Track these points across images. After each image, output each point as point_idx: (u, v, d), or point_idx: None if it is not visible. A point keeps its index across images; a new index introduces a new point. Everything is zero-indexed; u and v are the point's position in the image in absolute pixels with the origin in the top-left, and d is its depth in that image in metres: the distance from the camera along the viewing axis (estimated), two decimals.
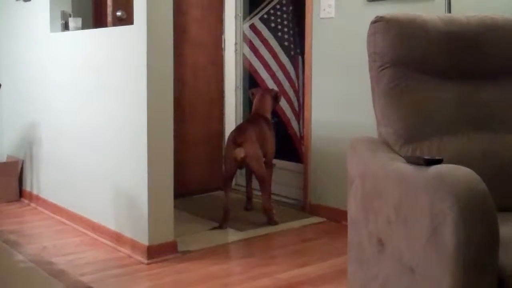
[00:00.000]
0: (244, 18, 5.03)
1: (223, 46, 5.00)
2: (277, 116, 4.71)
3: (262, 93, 4.18)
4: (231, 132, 3.91)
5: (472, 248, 1.49)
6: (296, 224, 3.97)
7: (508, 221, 1.82)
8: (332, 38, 4.00)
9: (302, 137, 4.46)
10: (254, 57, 4.97)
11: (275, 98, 4.20)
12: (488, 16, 2.29)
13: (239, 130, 3.88)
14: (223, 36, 5.00)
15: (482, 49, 2.21)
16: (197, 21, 4.78)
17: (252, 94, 4.26)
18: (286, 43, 4.72)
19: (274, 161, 4.22)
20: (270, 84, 4.79)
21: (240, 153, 3.75)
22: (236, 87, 5.07)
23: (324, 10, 4.04)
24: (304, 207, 4.27)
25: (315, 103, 4.16)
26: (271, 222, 3.90)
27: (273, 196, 4.17)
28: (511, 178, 2.07)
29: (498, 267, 1.52)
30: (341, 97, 3.96)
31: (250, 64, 5.01)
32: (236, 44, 5.04)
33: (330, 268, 3.11)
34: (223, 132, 5.00)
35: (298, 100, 4.62)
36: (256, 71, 4.96)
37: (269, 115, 4.14)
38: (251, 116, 4.12)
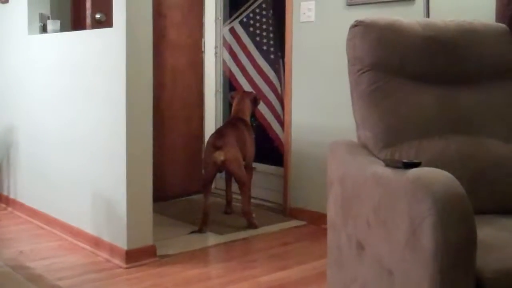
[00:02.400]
0: (224, 22, 5.03)
1: (203, 49, 4.99)
2: (257, 120, 4.71)
3: (241, 96, 4.18)
4: (211, 136, 3.90)
5: (450, 251, 1.50)
6: (276, 227, 3.97)
7: (485, 224, 1.84)
8: (312, 42, 4.02)
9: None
10: (232, 61, 4.97)
11: (254, 101, 4.21)
12: (466, 21, 2.32)
13: (219, 133, 3.87)
14: (203, 40, 4.99)
15: (460, 53, 2.24)
16: (176, 24, 4.76)
17: (232, 97, 4.26)
18: (265, 47, 4.73)
19: (254, 164, 4.21)
20: (248, 89, 4.78)
21: (219, 156, 3.75)
22: (216, 91, 5.07)
23: (304, 14, 4.06)
24: (284, 211, 4.27)
25: (295, 107, 4.16)
26: (251, 225, 3.90)
27: (253, 200, 4.17)
28: (489, 181, 2.09)
29: (475, 269, 1.53)
30: (321, 100, 3.97)
31: (229, 69, 5.01)
32: (216, 47, 5.04)
33: (310, 271, 3.12)
34: (202, 135, 4.99)
35: (281, 103, 4.62)
36: (234, 76, 4.96)
37: (248, 118, 4.14)
38: (230, 120, 4.12)
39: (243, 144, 3.93)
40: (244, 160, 3.92)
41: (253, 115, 4.26)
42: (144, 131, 3.23)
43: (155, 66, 3.33)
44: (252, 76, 4.82)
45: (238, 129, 3.95)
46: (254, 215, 3.97)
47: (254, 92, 4.46)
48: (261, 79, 4.75)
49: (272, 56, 4.68)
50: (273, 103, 4.68)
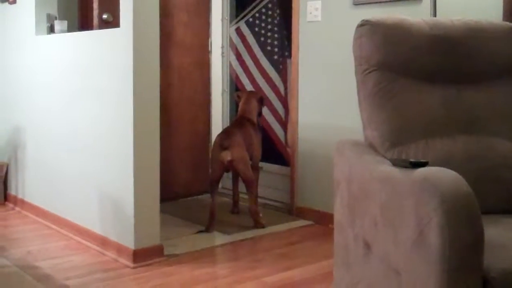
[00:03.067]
0: (230, 22, 5.03)
1: (209, 49, 5.00)
2: (262, 120, 4.71)
3: (247, 96, 4.18)
4: (218, 135, 3.90)
5: (457, 250, 1.49)
6: (282, 227, 3.96)
7: (492, 223, 1.83)
8: (319, 41, 4.01)
9: (286, 141, 4.47)
10: (237, 62, 4.97)
11: (261, 101, 4.21)
12: (473, 20, 2.31)
13: (226, 133, 3.88)
14: (209, 40, 5.00)
15: (467, 52, 2.23)
16: (183, 24, 4.77)
17: (238, 97, 4.26)
18: (269, 48, 4.72)
19: (261, 164, 4.21)
20: (250, 89, 4.78)
21: (226, 156, 3.75)
22: (223, 91, 5.07)
23: (310, 13, 4.05)
24: (291, 210, 4.27)
25: (302, 106, 4.16)
26: (257, 225, 3.90)
27: (259, 199, 4.17)
28: (496, 181, 2.09)
29: (482, 269, 1.53)
30: (328, 100, 3.97)
31: (233, 69, 5.00)
32: (222, 47, 5.04)
33: (317, 271, 3.11)
34: (209, 135, 5.00)
35: (283, 104, 4.61)
36: (238, 76, 4.97)
37: (254, 118, 4.14)
38: (237, 119, 4.12)
39: (250, 143, 3.93)
40: (250, 159, 3.92)
41: (259, 115, 4.26)
42: (151, 131, 3.24)
43: (162, 66, 3.33)
44: (255, 76, 4.82)
45: (245, 128, 3.95)
46: (261, 214, 3.97)
47: (260, 92, 4.46)
48: (264, 80, 4.75)
49: (275, 57, 4.68)
50: (275, 104, 4.68)
